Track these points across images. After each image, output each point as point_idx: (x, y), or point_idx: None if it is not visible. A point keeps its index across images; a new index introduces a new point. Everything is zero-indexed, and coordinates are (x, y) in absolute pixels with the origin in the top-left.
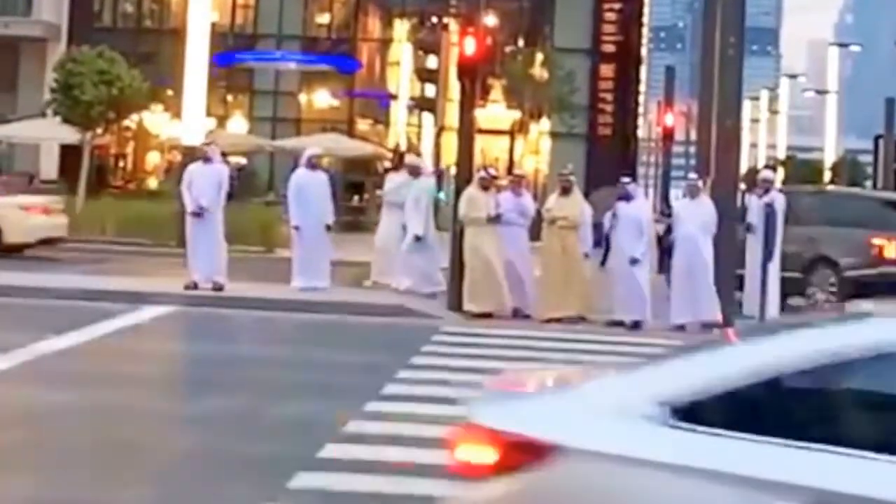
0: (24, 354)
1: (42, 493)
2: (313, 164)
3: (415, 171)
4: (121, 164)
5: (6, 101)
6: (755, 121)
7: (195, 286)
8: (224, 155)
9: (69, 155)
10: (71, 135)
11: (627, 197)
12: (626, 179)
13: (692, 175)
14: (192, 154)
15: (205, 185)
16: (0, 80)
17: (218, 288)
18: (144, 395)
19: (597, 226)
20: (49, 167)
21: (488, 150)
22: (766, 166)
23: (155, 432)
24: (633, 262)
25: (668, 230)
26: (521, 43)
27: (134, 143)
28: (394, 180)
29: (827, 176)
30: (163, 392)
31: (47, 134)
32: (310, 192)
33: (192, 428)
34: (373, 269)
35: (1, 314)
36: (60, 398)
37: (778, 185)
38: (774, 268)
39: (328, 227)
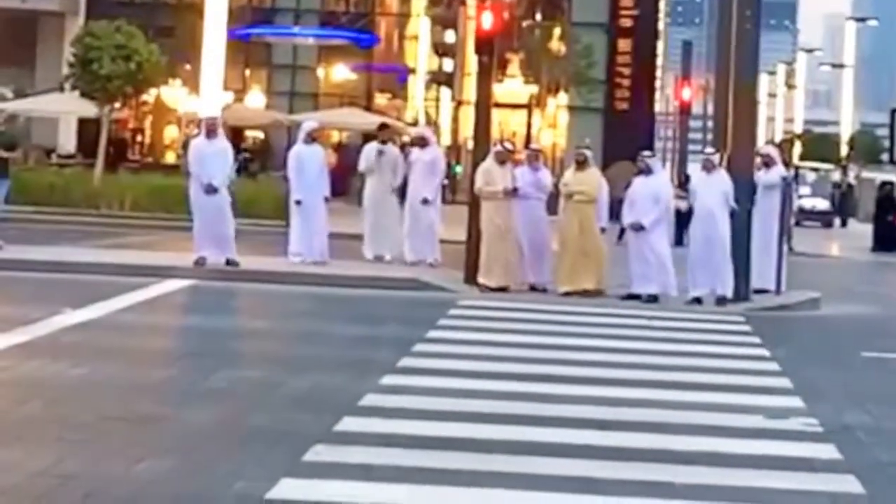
0: (41, 328)
1: (58, 466)
2: (313, 138)
3: (422, 142)
4: (139, 138)
5: (24, 76)
6: (772, 95)
7: (203, 261)
8: (241, 130)
9: (87, 129)
10: (89, 109)
11: (648, 171)
12: (647, 153)
13: (709, 149)
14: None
15: (214, 162)
16: (18, 54)
17: (233, 264)
18: (160, 369)
19: (615, 201)
20: (67, 141)
21: (506, 124)
22: (769, 142)
23: (170, 406)
24: (640, 228)
25: (691, 208)
26: (538, 17)
27: (152, 118)
28: (367, 153)
29: (844, 150)
30: (178, 366)
31: (65, 108)
32: (309, 166)
33: (207, 401)
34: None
35: (18, 288)
36: (77, 372)
37: (795, 159)
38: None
39: (326, 200)
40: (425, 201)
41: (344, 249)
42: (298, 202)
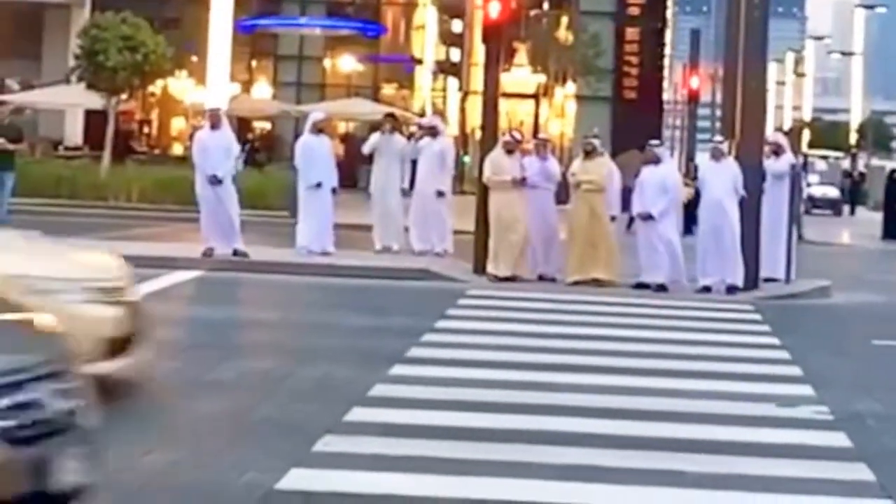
0: None
1: None
2: (319, 129)
3: (433, 132)
4: (146, 130)
5: (31, 68)
6: (781, 83)
7: (211, 252)
8: (248, 121)
9: (94, 121)
10: (96, 101)
11: (656, 160)
12: (654, 142)
13: (717, 137)
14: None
15: (217, 152)
16: (24, 46)
17: (241, 254)
18: (168, 360)
19: (624, 190)
20: (74, 133)
21: (513, 113)
22: (777, 129)
23: (179, 397)
24: (648, 217)
25: (698, 195)
26: (545, 6)
27: (159, 109)
28: (373, 138)
29: (853, 137)
30: (187, 356)
31: (72, 100)
32: (316, 157)
33: (216, 392)
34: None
35: None
36: None
37: (804, 147)
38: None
39: (333, 191)
40: (440, 194)
41: (353, 240)
42: (319, 184)
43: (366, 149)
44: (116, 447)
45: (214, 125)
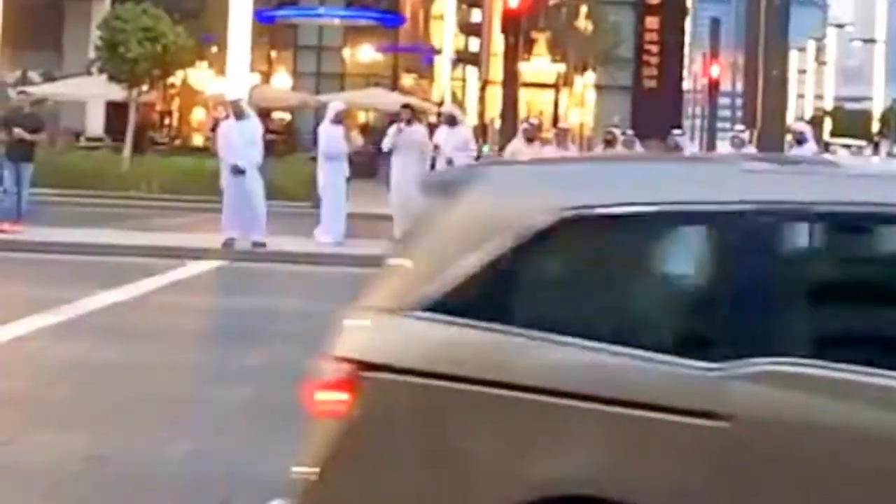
0: (71, 310)
1: (89, 448)
2: (339, 120)
3: (451, 121)
4: (166, 121)
5: (52, 60)
6: (802, 72)
7: (232, 243)
8: (267, 111)
9: (115, 112)
10: (116, 92)
11: (677, 149)
12: (677, 131)
13: (738, 126)
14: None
15: (240, 142)
16: (45, 38)
17: (259, 245)
18: (189, 350)
19: None
20: (95, 124)
21: (533, 103)
22: (799, 119)
23: (200, 386)
24: None
25: None
26: None
27: (179, 100)
28: (391, 132)
29: (875, 125)
30: (208, 347)
31: (93, 91)
32: (334, 147)
33: (237, 382)
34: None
35: (49, 270)
36: (107, 353)
37: (826, 135)
38: None
39: (347, 180)
40: None
41: (372, 230)
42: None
43: (385, 145)
44: (139, 437)
45: (238, 115)
